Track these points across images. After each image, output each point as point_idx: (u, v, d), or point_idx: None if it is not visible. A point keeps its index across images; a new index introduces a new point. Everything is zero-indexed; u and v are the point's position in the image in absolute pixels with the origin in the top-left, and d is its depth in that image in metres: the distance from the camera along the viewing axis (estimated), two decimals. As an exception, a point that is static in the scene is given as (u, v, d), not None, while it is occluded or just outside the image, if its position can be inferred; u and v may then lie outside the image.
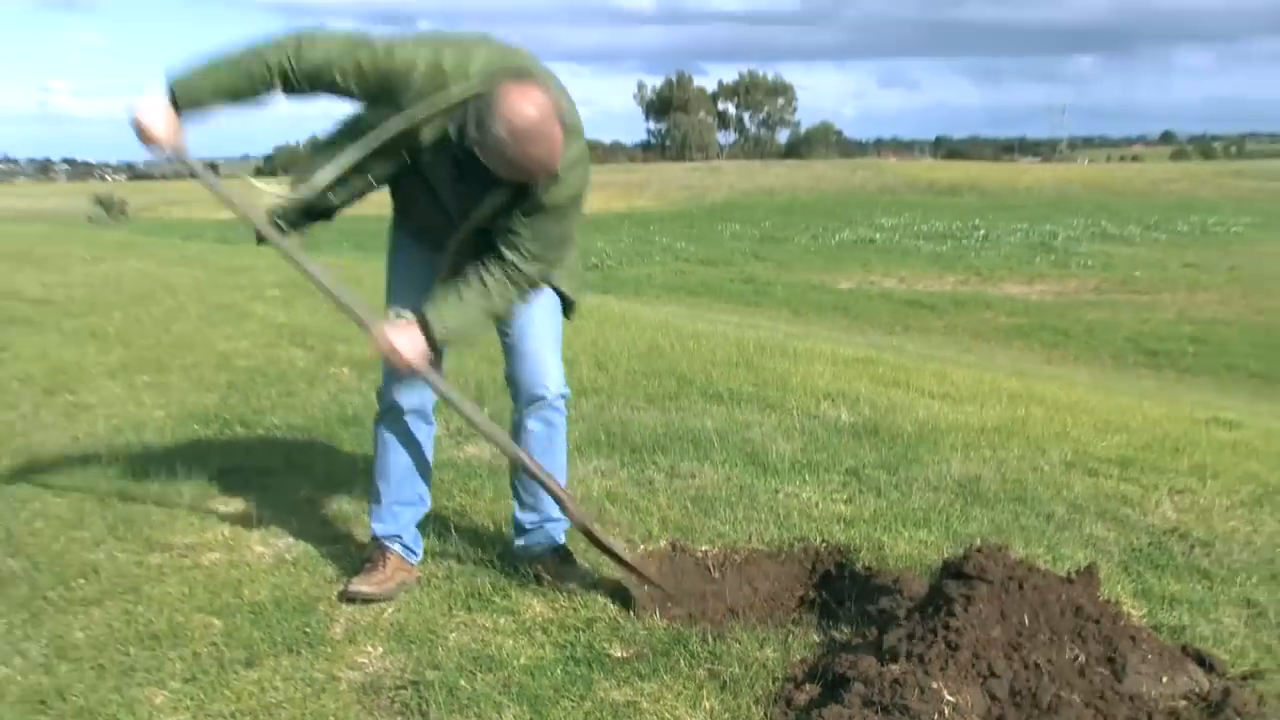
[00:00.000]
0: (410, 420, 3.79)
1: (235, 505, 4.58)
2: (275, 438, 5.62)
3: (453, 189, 3.46)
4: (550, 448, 3.79)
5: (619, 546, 3.69)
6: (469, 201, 3.41)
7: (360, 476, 4.85)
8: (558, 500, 3.63)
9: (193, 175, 3.58)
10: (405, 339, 3.41)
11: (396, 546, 3.83)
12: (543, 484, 3.62)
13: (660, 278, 30.40)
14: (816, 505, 4.53)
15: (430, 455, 3.93)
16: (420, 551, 3.93)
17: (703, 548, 4.08)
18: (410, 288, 3.68)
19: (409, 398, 3.75)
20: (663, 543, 4.12)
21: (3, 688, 3.14)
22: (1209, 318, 25.50)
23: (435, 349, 3.48)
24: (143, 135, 3.35)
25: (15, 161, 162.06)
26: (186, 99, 3.35)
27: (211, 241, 24.50)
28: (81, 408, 6.25)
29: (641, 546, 4.07)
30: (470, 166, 3.25)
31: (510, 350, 3.77)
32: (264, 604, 3.65)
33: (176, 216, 50.39)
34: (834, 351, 9.05)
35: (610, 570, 3.84)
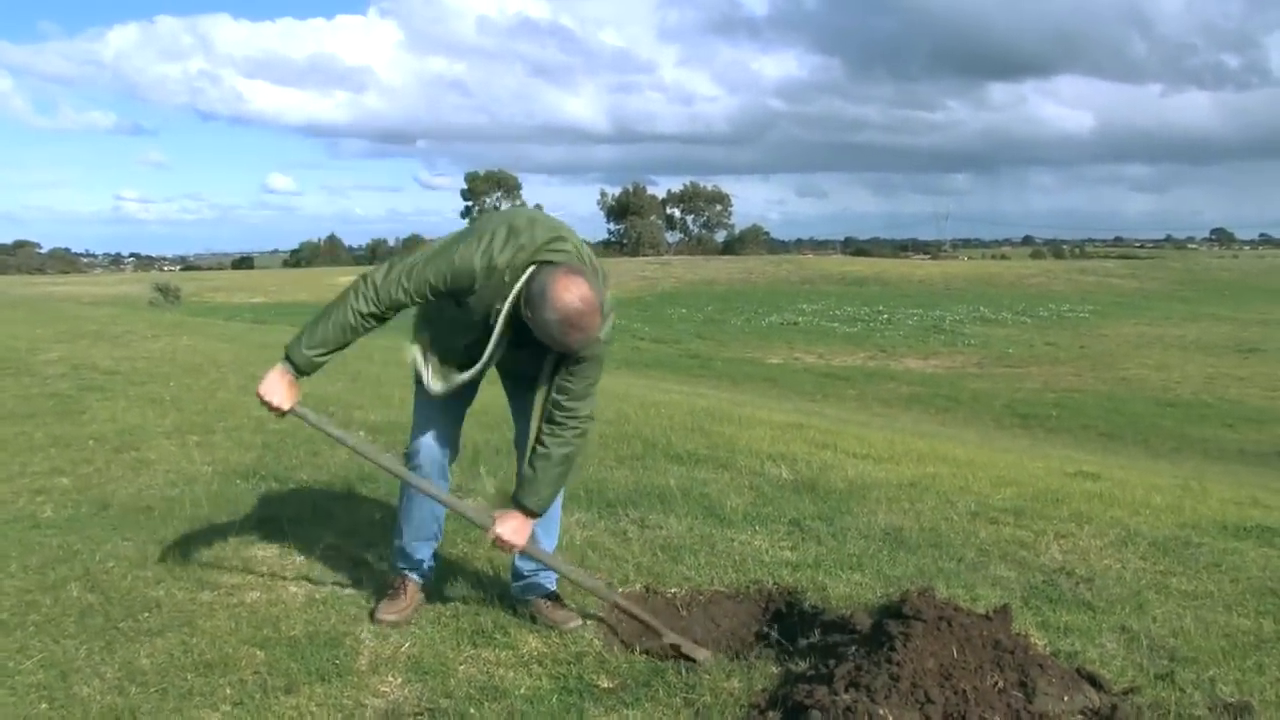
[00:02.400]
0: (432, 475, 3.68)
1: (272, 550, 4.44)
2: (304, 491, 5.47)
3: (506, 349, 3.40)
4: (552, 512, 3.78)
5: (648, 617, 3.58)
6: (521, 362, 3.46)
7: (376, 526, 4.75)
8: (594, 591, 3.66)
9: (313, 426, 3.56)
10: (513, 528, 3.43)
11: (415, 575, 3.82)
12: (595, 591, 3.64)
13: (619, 354, 30.30)
14: (766, 552, 4.41)
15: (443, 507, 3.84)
16: (432, 578, 3.91)
17: (672, 589, 3.97)
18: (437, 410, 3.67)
19: (432, 461, 3.69)
20: (638, 586, 4.01)
21: (86, 705, 3.05)
22: (1067, 387, 25.85)
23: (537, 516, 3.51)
24: (268, 407, 3.41)
25: (94, 255, 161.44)
26: (305, 366, 3.41)
27: (248, 321, 24.32)
28: (144, 463, 6.09)
29: (621, 589, 3.96)
30: (524, 331, 3.25)
31: (525, 419, 3.68)
32: (299, 638, 3.51)
33: (220, 300, 50.04)
34: (770, 418, 8.99)
35: (595, 610, 3.73)
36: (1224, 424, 20.52)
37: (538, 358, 3.40)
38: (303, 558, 4.33)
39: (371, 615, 3.68)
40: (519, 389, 3.69)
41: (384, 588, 3.86)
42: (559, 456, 3.41)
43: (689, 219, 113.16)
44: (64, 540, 4.55)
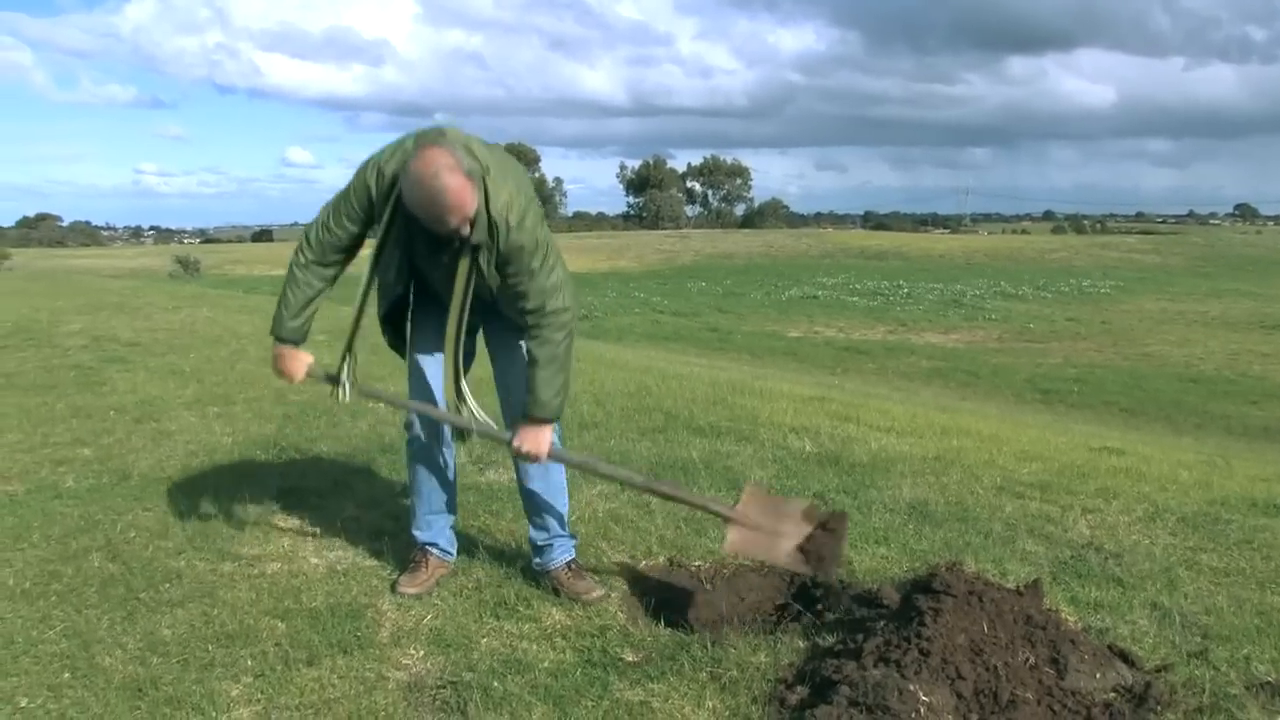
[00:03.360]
0: (431, 446, 3.73)
1: (292, 521, 4.42)
2: (325, 463, 5.44)
3: (433, 263, 3.45)
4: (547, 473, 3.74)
5: (692, 495, 3.74)
6: (448, 270, 3.41)
7: (396, 497, 4.72)
8: (630, 482, 3.82)
9: (331, 381, 3.67)
10: (532, 438, 3.42)
11: (434, 550, 3.79)
12: (684, 500, 3.65)
13: (640, 327, 30.28)
14: (791, 524, 4.36)
15: (453, 473, 3.86)
16: (454, 551, 3.87)
17: (696, 563, 3.94)
18: (429, 332, 3.66)
19: (428, 429, 3.72)
20: (661, 559, 3.98)
21: (109, 675, 3.04)
22: (1088, 362, 25.62)
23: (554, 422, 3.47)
24: (289, 380, 3.63)
25: (114, 228, 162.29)
26: (294, 335, 3.54)
27: (268, 294, 24.34)
28: (164, 434, 6.08)
29: (644, 562, 3.92)
30: (432, 239, 3.30)
31: (507, 387, 3.72)
32: (320, 609, 3.49)
33: (240, 273, 50.13)
34: (792, 390, 8.92)
35: (618, 582, 3.70)
36: (1248, 401, 20.30)
37: (463, 272, 3.38)
38: (324, 529, 4.31)
39: (392, 587, 3.67)
40: (489, 325, 3.69)
41: (405, 559, 3.84)
42: (545, 358, 3.36)
43: (709, 192, 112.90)
44: (85, 510, 4.54)
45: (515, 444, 3.41)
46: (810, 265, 52.61)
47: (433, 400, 3.64)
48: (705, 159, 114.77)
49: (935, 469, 5.51)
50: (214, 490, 4.81)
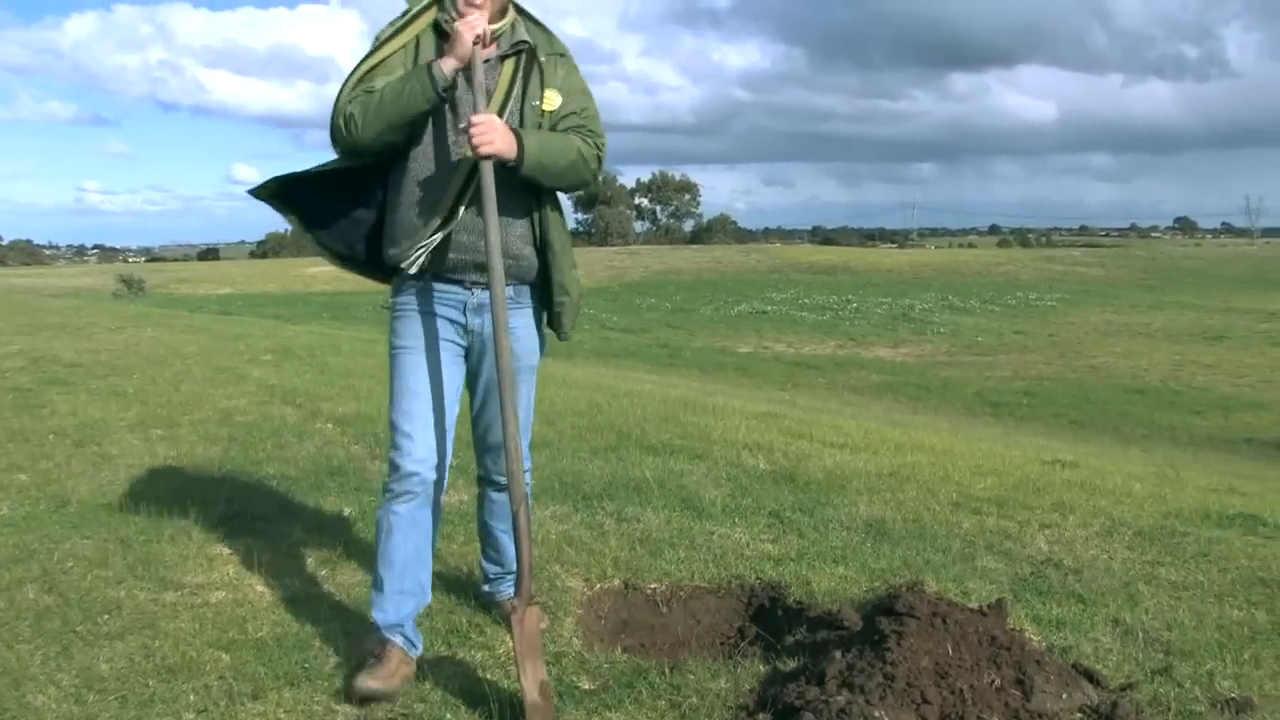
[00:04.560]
0: (417, 505, 3.10)
1: (238, 548, 4.27)
2: (270, 487, 5.31)
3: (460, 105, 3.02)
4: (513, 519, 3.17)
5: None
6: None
7: (345, 523, 4.63)
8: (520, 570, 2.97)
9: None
10: (494, 127, 2.89)
11: (398, 638, 3.08)
12: (519, 545, 2.96)
13: (590, 344, 30.14)
14: (747, 545, 4.29)
15: (432, 545, 3.25)
16: (420, 645, 3.18)
17: (651, 585, 3.86)
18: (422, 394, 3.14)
19: (423, 482, 3.10)
20: (616, 581, 3.89)
21: (40, 715, 2.88)
22: (1036, 375, 25.94)
23: (519, 161, 2.95)
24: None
25: (57, 247, 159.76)
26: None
27: (214, 313, 24.03)
28: (105, 458, 5.92)
29: (599, 585, 3.83)
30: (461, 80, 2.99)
31: (488, 423, 3.31)
32: (266, 640, 3.36)
33: (185, 292, 49.39)
34: (744, 407, 8.88)
35: (573, 607, 3.61)
36: (1192, 411, 20.64)
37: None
38: (270, 556, 4.17)
39: (349, 686, 2.97)
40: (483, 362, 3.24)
41: (351, 588, 3.72)
42: (570, 138, 3.06)
43: (658, 209, 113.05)
44: (20, 539, 4.37)
45: (474, 118, 2.89)
46: (759, 281, 52.74)
47: (433, 440, 3.13)
48: (653, 175, 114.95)
49: (891, 485, 5.47)
50: (156, 516, 4.65)
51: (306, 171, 3.24)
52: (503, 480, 3.16)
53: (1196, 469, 9.69)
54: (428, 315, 3.15)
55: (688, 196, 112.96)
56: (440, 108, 3.01)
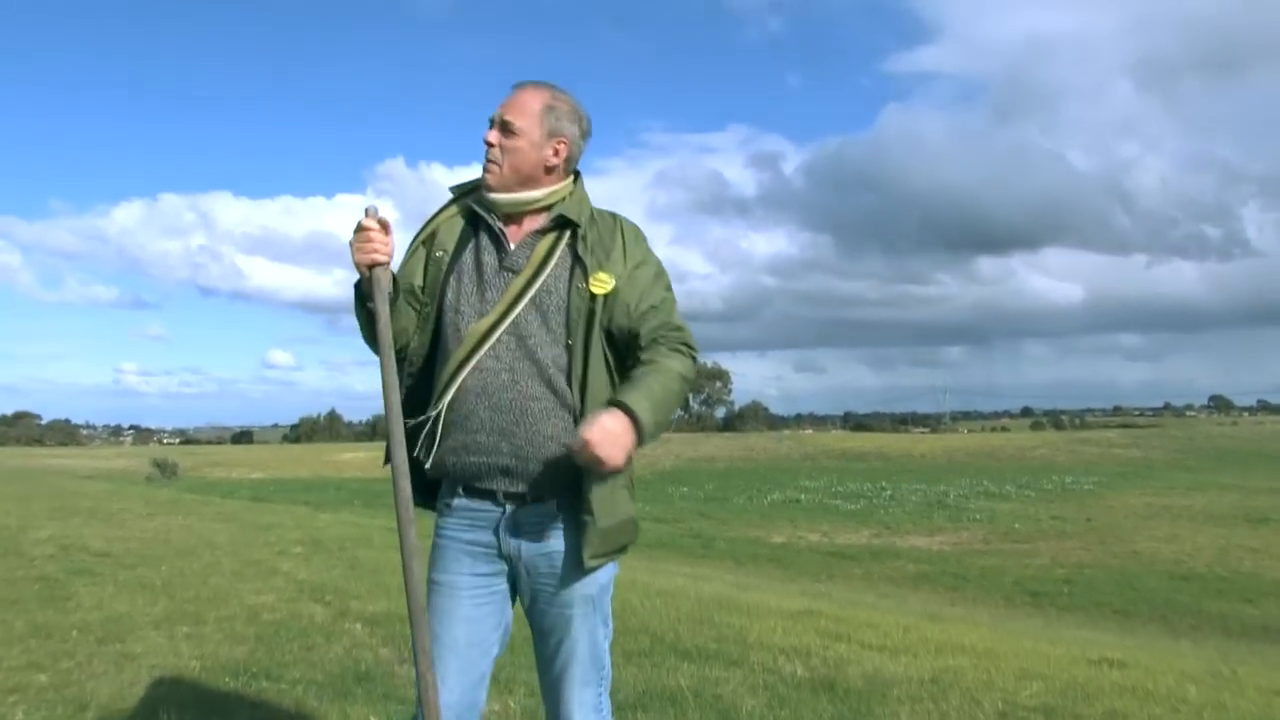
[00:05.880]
0: None
1: (259, 760, 4.15)
2: (296, 694, 5.16)
3: (491, 285, 2.65)
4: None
5: None
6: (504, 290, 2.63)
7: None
8: None
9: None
10: (615, 436, 2.43)
11: None
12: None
13: (623, 533, 29.89)
14: (787, 762, 4.13)
15: None
16: None
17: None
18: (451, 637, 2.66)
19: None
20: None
21: None
22: (1076, 562, 25.45)
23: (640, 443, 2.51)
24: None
25: (94, 427, 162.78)
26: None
27: (246, 499, 24.08)
28: (129, 657, 5.79)
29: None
30: (499, 245, 2.66)
31: (558, 672, 2.73)
32: None
33: (218, 475, 49.81)
34: (779, 605, 8.72)
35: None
36: (1243, 598, 20.10)
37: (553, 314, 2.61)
38: (291, 768, 4.04)
39: None
40: (539, 587, 2.71)
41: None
42: (667, 366, 2.60)
43: (690, 396, 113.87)
44: (36, 749, 4.27)
45: (585, 433, 2.41)
46: (792, 468, 52.64)
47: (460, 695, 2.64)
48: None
49: (933, 693, 5.28)
50: (178, 722, 4.53)
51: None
52: None
53: (1254, 665, 9.33)
54: (461, 543, 2.71)
55: (719, 384, 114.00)
56: (443, 292, 2.68)
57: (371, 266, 2.52)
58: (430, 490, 2.80)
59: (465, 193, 2.78)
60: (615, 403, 2.48)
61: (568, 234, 2.66)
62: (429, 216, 2.80)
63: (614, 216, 2.77)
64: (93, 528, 12.17)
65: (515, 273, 2.64)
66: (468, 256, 2.69)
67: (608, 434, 2.41)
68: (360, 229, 2.56)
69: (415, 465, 2.66)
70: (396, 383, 2.53)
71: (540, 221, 2.69)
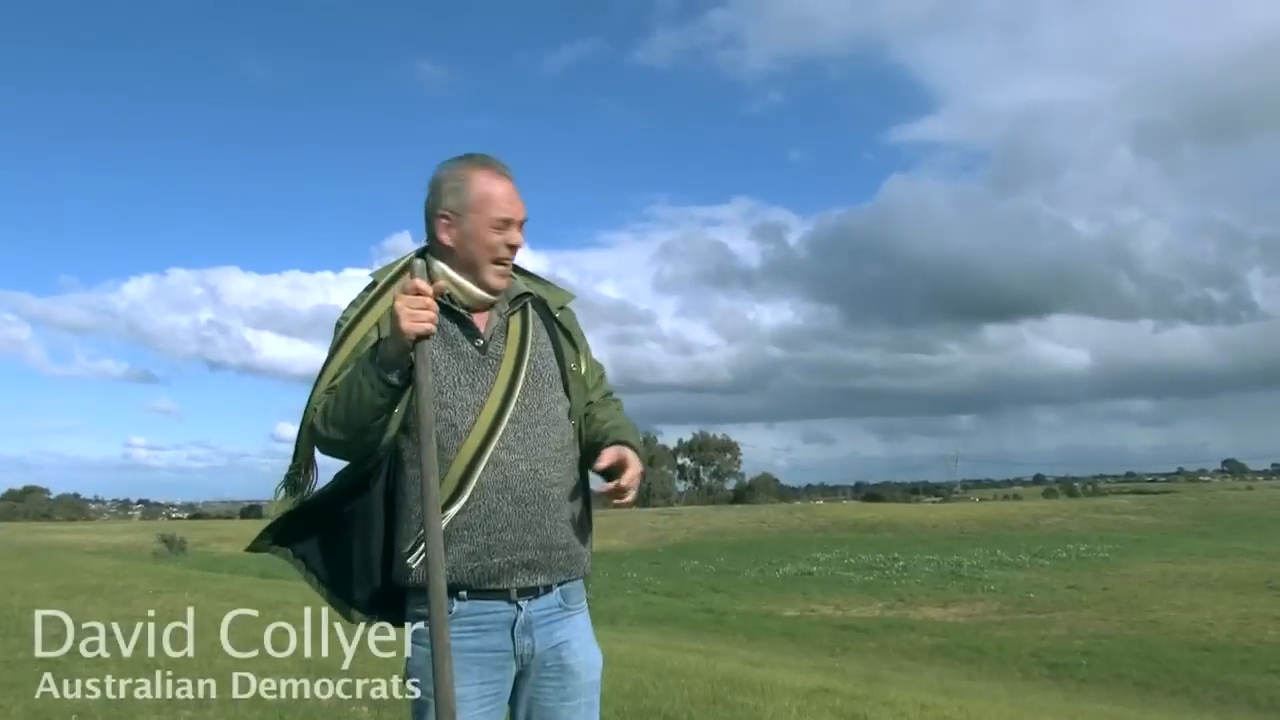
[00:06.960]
0: None
1: None
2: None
3: (467, 380, 2.55)
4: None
5: None
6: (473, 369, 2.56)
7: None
8: None
9: None
10: (637, 466, 2.55)
11: None
12: None
13: (633, 609, 29.58)
14: None
15: None
16: None
17: None
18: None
19: None
20: None
21: None
22: (1094, 632, 25.04)
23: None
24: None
25: (102, 501, 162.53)
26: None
27: (254, 575, 23.93)
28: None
29: None
30: (468, 334, 2.58)
31: None
32: None
33: (226, 551, 49.43)
34: (793, 682, 8.56)
35: None
36: (1268, 670, 19.67)
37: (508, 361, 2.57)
38: None
39: None
40: (541, 686, 2.70)
41: None
42: (620, 408, 2.77)
43: (699, 468, 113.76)
44: None
45: (625, 483, 2.52)
46: (803, 540, 52.20)
47: None
48: (694, 435, 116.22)
49: (955, 776, 5.14)
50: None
51: (310, 499, 2.73)
52: None
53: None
54: (466, 652, 2.53)
55: (729, 455, 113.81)
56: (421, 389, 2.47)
57: (419, 337, 2.38)
58: (391, 602, 2.70)
59: (393, 279, 2.63)
60: (619, 443, 2.56)
61: (530, 310, 2.67)
62: (360, 303, 2.65)
63: (548, 287, 2.78)
64: (98, 605, 12.04)
65: (499, 359, 2.59)
66: (437, 347, 2.53)
67: (637, 477, 2.53)
68: (416, 291, 2.39)
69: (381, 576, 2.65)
70: (436, 467, 2.40)
71: (498, 309, 2.64)
